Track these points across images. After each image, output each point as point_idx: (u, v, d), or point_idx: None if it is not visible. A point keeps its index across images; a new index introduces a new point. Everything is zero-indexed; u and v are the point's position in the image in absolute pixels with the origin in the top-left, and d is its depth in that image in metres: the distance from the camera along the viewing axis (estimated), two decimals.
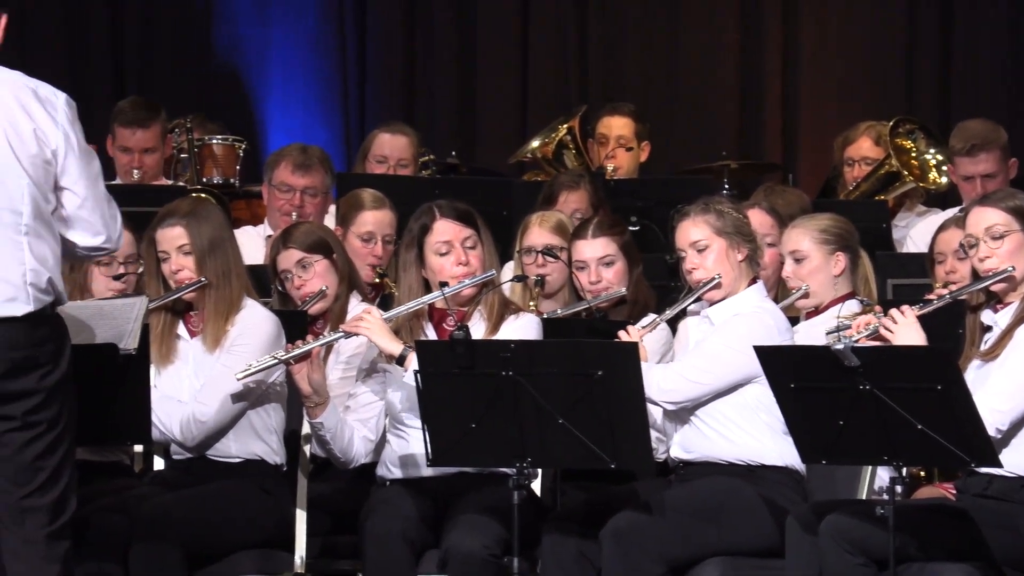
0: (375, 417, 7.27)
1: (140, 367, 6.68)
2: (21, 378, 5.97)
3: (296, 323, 7.30)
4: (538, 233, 8.10)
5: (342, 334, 7.15)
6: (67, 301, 6.19)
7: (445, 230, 7.19)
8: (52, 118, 6.06)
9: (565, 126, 10.50)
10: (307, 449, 7.33)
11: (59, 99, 6.10)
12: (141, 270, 7.39)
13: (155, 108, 9.86)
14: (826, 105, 12.18)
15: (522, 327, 7.15)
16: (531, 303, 7.86)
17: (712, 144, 11.73)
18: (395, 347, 7.01)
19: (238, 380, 7.03)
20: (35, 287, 6.00)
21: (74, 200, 6.10)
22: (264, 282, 7.74)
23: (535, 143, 10.56)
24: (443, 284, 7.12)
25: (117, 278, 7.39)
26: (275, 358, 7.05)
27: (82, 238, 6.15)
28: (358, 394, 7.33)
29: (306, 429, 7.29)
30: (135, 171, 9.65)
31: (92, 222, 6.14)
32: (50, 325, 6.05)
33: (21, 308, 5.99)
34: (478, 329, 7.11)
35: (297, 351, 7.06)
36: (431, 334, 7.16)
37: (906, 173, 9.82)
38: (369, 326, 7.07)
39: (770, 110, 12.35)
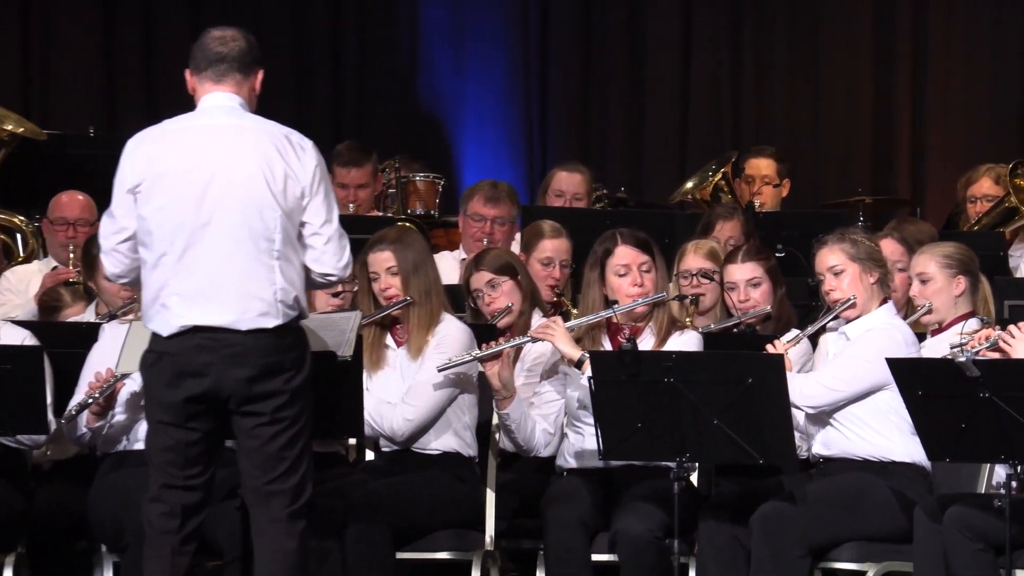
0: (555, 414, 7.28)
1: (355, 372, 6.72)
2: (270, 380, 6.04)
3: (486, 335, 7.32)
4: (694, 258, 8.08)
5: (530, 338, 7.19)
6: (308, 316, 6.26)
7: (625, 255, 7.19)
8: (301, 161, 6.13)
9: (720, 171, 10.47)
10: (497, 438, 7.36)
11: (307, 145, 6.17)
12: (356, 288, 7.45)
13: (367, 150, 9.95)
14: (951, 147, 12.06)
15: (685, 341, 7.14)
16: (687, 319, 7.83)
17: (849, 181, 11.66)
18: (575, 352, 7.02)
19: (439, 371, 7.06)
20: (284, 304, 6.07)
21: (314, 232, 6.17)
22: (459, 300, 7.77)
23: (691, 184, 10.52)
24: (614, 302, 7.13)
25: (335, 295, 7.45)
26: (471, 355, 7.10)
27: (317, 266, 6.21)
28: (541, 392, 7.33)
29: (496, 421, 7.32)
30: (350, 204, 9.72)
31: (328, 253, 6.20)
32: (294, 336, 6.11)
33: (272, 321, 6.06)
34: (647, 342, 7.10)
35: (490, 350, 7.10)
36: (607, 345, 7.16)
37: (1023, 209, 9.73)
38: (554, 332, 7.09)
39: (900, 151, 12.26)
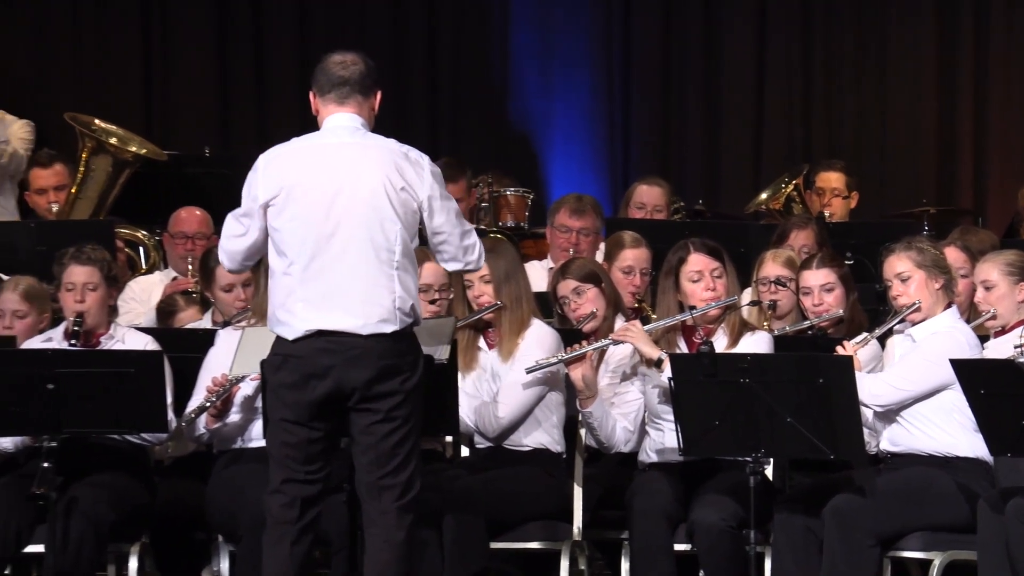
0: (635, 412, 7.29)
1: (450, 373, 6.75)
2: (387, 381, 6.09)
3: (572, 339, 7.33)
4: (772, 266, 8.06)
5: (611, 341, 7.20)
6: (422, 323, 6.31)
7: (698, 262, 7.20)
8: (419, 176, 6.19)
9: (792, 183, 10.44)
10: (583, 434, 7.37)
11: (424, 160, 6.23)
12: (451, 295, 7.48)
13: (462, 166, 9.97)
14: (1012, 160, 11.97)
15: (756, 342, 7.14)
16: (764, 323, 7.83)
17: (914, 192, 11.59)
18: (654, 353, 7.03)
19: (527, 373, 7.08)
20: (401, 311, 6.12)
21: (441, 237, 6.23)
22: (547, 306, 7.79)
23: (764, 196, 10.50)
24: (691, 307, 7.14)
25: (432, 302, 7.49)
26: (557, 357, 7.12)
27: (454, 264, 6.29)
28: (622, 392, 7.34)
29: (580, 418, 7.33)
30: None
31: (455, 252, 6.26)
32: (409, 341, 6.17)
33: (390, 327, 6.11)
34: (720, 343, 7.10)
35: (575, 353, 7.12)
36: (682, 346, 7.17)
37: None
38: (634, 335, 7.11)
39: (963, 164, 12.17)
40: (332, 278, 6.08)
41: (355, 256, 6.09)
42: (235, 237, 6.21)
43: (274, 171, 6.16)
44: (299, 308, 6.09)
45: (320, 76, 6.23)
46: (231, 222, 6.24)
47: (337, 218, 6.09)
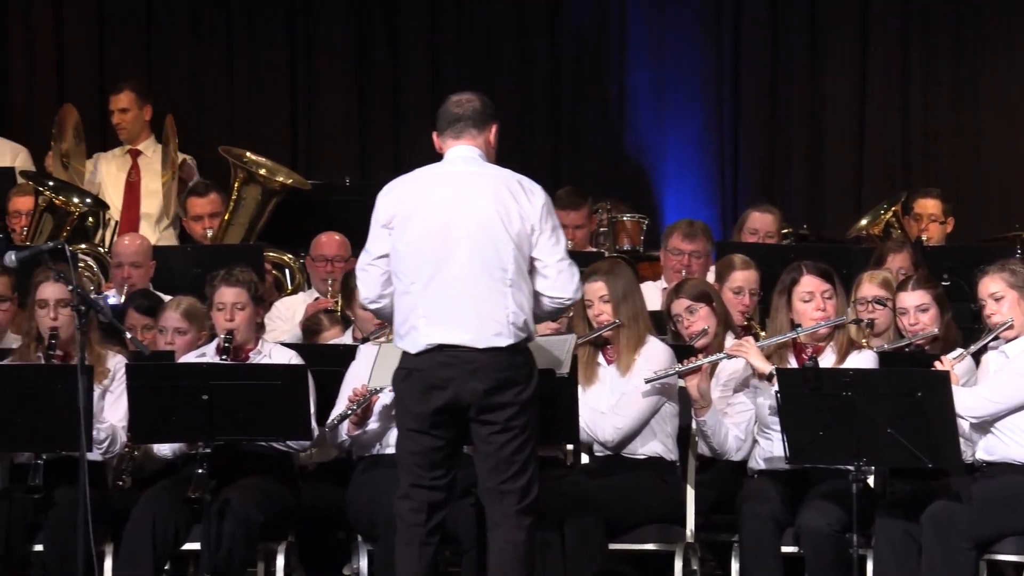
0: (746, 422, 7.21)
1: (571, 387, 6.74)
2: (504, 393, 6.08)
3: (685, 355, 7.28)
4: (869, 287, 7.97)
5: (725, 355, 7.14)
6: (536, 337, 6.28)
7: (809, 283, 7.12)
8: (531, 202, 6.18)
9: (891, 209, 10.31)
10: (696, 443, 7.31)
11: (536, 188, 6.23)
12: (572, 314, 7.45)
13: (583, 195, 9.96)
14: None
15: (863, 360, 7.05)
16: (863, 340, 7.73)
17: (1008, 217, 11.39)
18: (765, 367, 6.97)
19: (645, 382, 7.04)
20: (515, 325, 6.11)
21: (546, 264, 6.20)
22: (661, 324, 7.74)
23: (865, 221, 10.37)
24: (798, 325, 7.06)
25: (554, 320, 7.47)
26: (674, 369, 7.07)
27: (552, 291, 6.24)
28: (734, 403, 7.28)
29: (694, 428, 7.27)
30: (568, 242, 9.69)
31: (560, 280, 6.22)
32: (524, 354, 6.15)
33: (505, 341, 6.10)
34: (828, 360, 7.01)
35: (690, 365, 7.07)
36: (792, 362, 7.08)
37: None
38: (747, 350, 7.05)
39: None
40: (450, 295, 6.08)
41: (470, 275, 6.09)
42: (368, 264, 6.24)
43: (395, 197, 6.21)
44: (421, 324, 6.09)
45: (439, 117, 6.30)
46: (362, 255, 6.28)
47: (454, 239, 6.10)
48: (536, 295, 6.24)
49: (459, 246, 6.10)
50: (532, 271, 6.21)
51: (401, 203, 6.17)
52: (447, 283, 6.09)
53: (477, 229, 6.11)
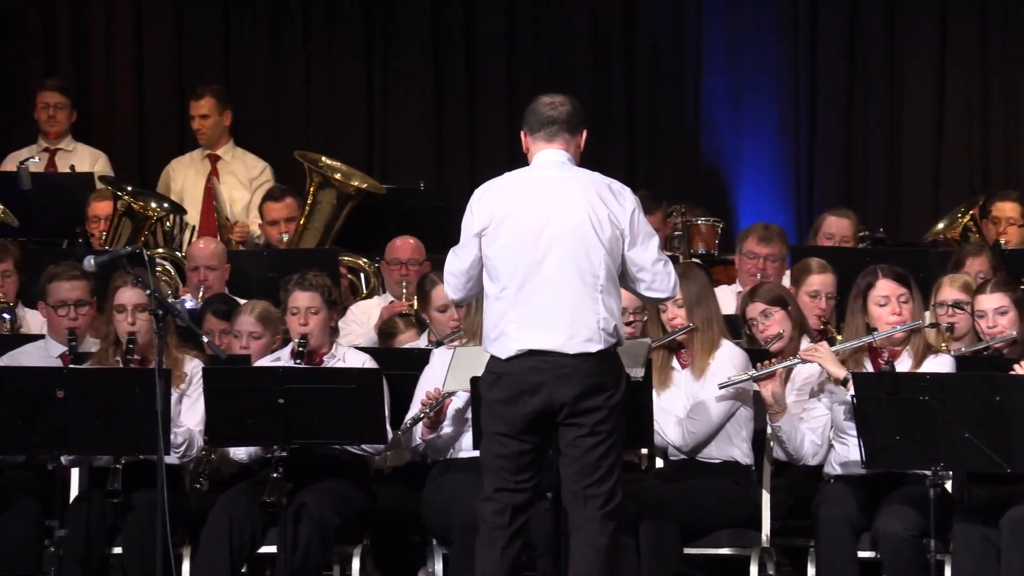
0: (822, 427, 7.16)
1: (646, 391, 6.70)
2: (593, 398, 6.07)
3: (760, 359, 7.24)
4: (949, 290, 7.89)
5: (799, 360, 7.10)
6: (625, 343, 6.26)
7: (885, 287, 7.06)
8: (622, 205, 6.16)
9: (968, 213, 10.21)
10: (771, 447, 7.27)
11: (626, 191, 6.22)
12: (646, 318, 7.43)
13: (658, 198, 9.93)
14: None
15: (939, 364, 6.98)
16: (943, 344, 7.66)
17: None
18: (840, 372, 6.92)
19: (720, 388, 7.01)
20: (605, 331, 6.11)
21: (641, 267, 6.19)
22: (736, 327, 7.70)
23: (942, 225, 10.28)
24: (874, 329, 7.00)
25: (628, 323, 7.44)
26: (748, 375, 7.04)
27: (651, 293, 6.24)
28: (809, 408, 7.23)
29: (769, 432, 7.23)
30: None
31: (658, 280, 6.20)
32: (612, 360, 6.14)
33: (595, 346, 6.09)
34: (905, 364, 6.96)
35: (765, 370, 7.03)
36: (868, 366, 7.03)
37: None
38: (822, 355, 7.01)
39: None
40: (541, 301, 6.07)
41: (562, 280, 6.08)
42: (456, 268, 6.23)
43: (487, 203, 6.18)
44: (512, 329, 6.09)
45: (530, 116, 6.25)
46: (451, 256, 6.28)
47: (545, 245, 6.09)
48: (636, 295, 6.25)
49: (551, 251, 6.09)
50: (626, 274, 6.20)
51: (494, 208, 6.16)
52: (538, 289, 6.09)
53: (569, 234, 6.10)
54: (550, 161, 6.21)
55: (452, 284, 6.27)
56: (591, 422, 6.07)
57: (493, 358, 6.16)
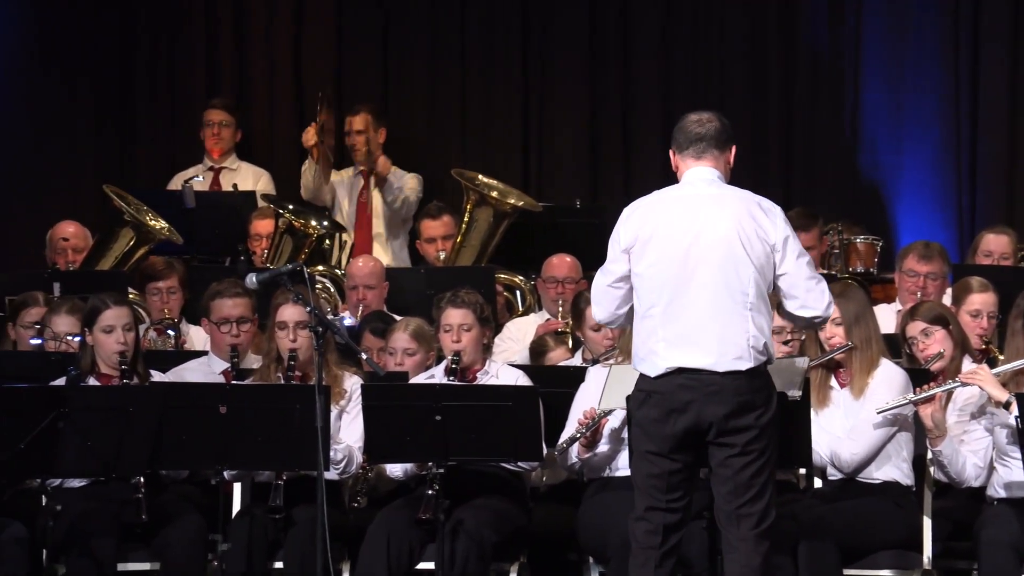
0: (984, 449, 7.04)
1: (803, 410, 6.63)
2: (743, 416, 6.03)
3: (920, 379, 7.13)
4: None
5: (959, 383, 6.98)
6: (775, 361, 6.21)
7: None
8: (773, 223, 6.12)
9: None
10: (932, 471, 7.16)
11: (776, 209, 6.17)
12: (803, 336, 7.36)
13: (814, 216, 9.84)
14: None
15: None
16: None
17: None
18: (1002, 395, 6.80)
19: (878, 413, 6.92)
20: (755, 349, 6.06)
21: (793, 284, 6.13)
22: (896, 347, 7.60)
23: None
24: None
25: (785, 343, 7.37)
26: (907, 399, 6.94)
27: (804, 311, 6.17)
28: (971, 430, 7.11)
29: (930, 455, 7.12)
30: None
31: (811, 299, 6.14)
32: (763, 378, 6.09)
33: (745, 364, 6.05)
34: None
35: (924, 394, 6.93)
36: None
37: None
38: (982, 378, 6.89)
39: None
40: (690, 319, 6.04)
41: (711, 298, 6.04)
42: (605, 286, 6.22)
43: (636, 221, 6.17)
44: (660, 347, 6.06)
45: (679, 135, 6.22)
46: (597, 275, 6.27)
47: (694, 262, 6.06)
48: (788, 315, 6.19)
49: (700, 269, 6.06)
50: (778, 291, 6.14)
51: (642, 226, 6.15)
52: (687, 306, 6.06)
53: (718, 252, 6.06)
54: (699, 179, 6.18)
55: (598, 302, 6.25)
56: (742, 441, 6.02)
57: (642, 376, 6.14)
